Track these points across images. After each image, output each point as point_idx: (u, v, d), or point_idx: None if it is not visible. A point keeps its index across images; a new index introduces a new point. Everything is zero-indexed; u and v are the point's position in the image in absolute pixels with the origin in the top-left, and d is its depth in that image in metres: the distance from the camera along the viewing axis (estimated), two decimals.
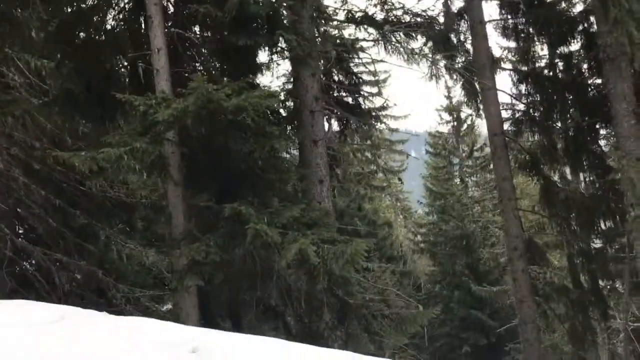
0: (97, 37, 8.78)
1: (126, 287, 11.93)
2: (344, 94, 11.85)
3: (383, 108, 13.00)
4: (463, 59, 12.62)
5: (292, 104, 10.66)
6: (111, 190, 11.74)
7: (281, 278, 7.67)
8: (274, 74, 11.37)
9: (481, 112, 12.98)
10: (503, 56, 13.67)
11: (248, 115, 7.05)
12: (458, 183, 24.27)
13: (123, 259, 11.84)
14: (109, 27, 8.79)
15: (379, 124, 13.76)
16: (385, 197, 24.78)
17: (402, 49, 10.01)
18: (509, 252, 12.02)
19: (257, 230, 6.67)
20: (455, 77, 12.75)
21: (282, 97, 10.93)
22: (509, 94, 13.08)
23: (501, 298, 20.41)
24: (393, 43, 10.03)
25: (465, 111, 23.12)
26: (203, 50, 9.78)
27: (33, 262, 11.77)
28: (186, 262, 7.12)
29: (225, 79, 8.86)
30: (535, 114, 12.92)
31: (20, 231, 12.67)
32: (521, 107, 13.23)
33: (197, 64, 9.50)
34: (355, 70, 12.37)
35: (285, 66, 11.56)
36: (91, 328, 2.86)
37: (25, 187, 11.26)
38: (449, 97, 23.35)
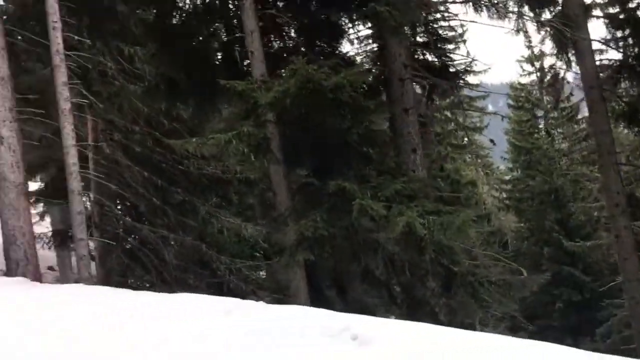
0: (190, 23, 9.02)
1: (227, 259, 12.61)
2: (429, 57, 11.63)
3: (469, 66, 12.61)
4: (552, 10, 12.05)
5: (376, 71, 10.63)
6: (208, 167, 12.30)
7: (385, 249, 7.82)
8: (354, 42, 11.34)
9: (573, 64, 12.43)
10: (594, 3, 12.94)
11: (345, 92, 7.14)
12: (544, 136, 23.34)
13: (223, 232, 12.43)
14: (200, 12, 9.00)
15: (463, 82, 13.42)
16: (466, 155, 24.24)
17: (492, 7, 9.67)
18: (610, 208, 11.62)
19: (362, 205, 6.82)
20: (544, 29, 12.21)
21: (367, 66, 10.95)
22: (602, 42, 12.42)
23: (595, 253, 19.77)
24: (482, 2, 9.71)
25: (549, 60, 22.00)
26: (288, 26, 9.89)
27: (136, 238, 12.61)
28: (295, 237, 7.39)
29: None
30: (634, 62, 12.21)
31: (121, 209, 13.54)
32: (616, 55, 12.54)
33: (286, 42, 9.61)
34: (435, 26, 12.08)
35: (365, 31, 11.46)
36: (254, 318, 3.10)
37: (128, 169, 11.99)
38: (530, 47, 22.25)
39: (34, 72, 8.76)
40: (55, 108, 7.62)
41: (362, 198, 6.86)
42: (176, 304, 3.37)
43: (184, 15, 9.20)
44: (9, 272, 7.37)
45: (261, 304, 3.48)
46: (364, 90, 7.68)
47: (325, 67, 6.93)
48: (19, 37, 8.62)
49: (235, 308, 3.30)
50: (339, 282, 8.72)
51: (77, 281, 12.71)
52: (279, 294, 11.52)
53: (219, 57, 9.11)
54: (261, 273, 15.00)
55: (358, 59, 11.17)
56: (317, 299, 8.24)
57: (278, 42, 9.78)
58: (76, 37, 7.91)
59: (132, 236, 12.63)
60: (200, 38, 9.01)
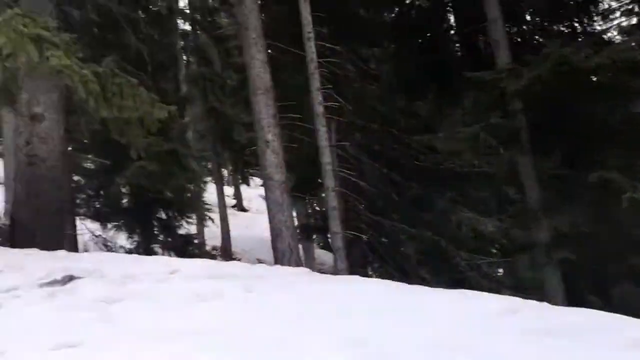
0: (425, 18, 9.06)
1: (466, 255, 12.37)
2: None
3: None
4: None
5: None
6: (445, 162, 12.22)
7: None
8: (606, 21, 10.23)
9: None
10: None
11: (607, 73, 6.45)
12: None
13: (461, 227, 12.22)
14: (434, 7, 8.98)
15: None
16: None
17: None
18: None
19: (634, 198, 6.08)
20: None
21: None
22: None
23: None
24: None
25: None
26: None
27: (376, 231, 13.08)
28: (550, 234, 6.92)
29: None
30: None
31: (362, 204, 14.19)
32: None
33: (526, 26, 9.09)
34: None
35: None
36: (546, 317, 2.94)
37: (368, 166, 12.52)
38: None
39: (288, 81, 9.60)
40: (309, 112, 8.26)
41: (633, 190, 6.12)
42: (467, 299, 3.38)
43: (418, 11, 9.26)
44: (276, 262, 8.19)
45: (545, 304, 3.29)
46: (628, 69, 6.84)
47: (585, 47, 6.33)
48: (269, 50, 9.57)
49: (522, 307, 3.17)
50: (602, 285, 7.92)
51: (320, 271, 13.70)
52: (524, 293, 10.93)
53: (457, 49, 8.97)
54: (499, 270, 14.43)
55: (605, 36, 10.10)
56: (574, 301, 7.60)
57: (516, 27, 9.30)
58: (327, 45, 8.46)
59: (373, 229, 13.16)
60: (429, 34, 8.98)
